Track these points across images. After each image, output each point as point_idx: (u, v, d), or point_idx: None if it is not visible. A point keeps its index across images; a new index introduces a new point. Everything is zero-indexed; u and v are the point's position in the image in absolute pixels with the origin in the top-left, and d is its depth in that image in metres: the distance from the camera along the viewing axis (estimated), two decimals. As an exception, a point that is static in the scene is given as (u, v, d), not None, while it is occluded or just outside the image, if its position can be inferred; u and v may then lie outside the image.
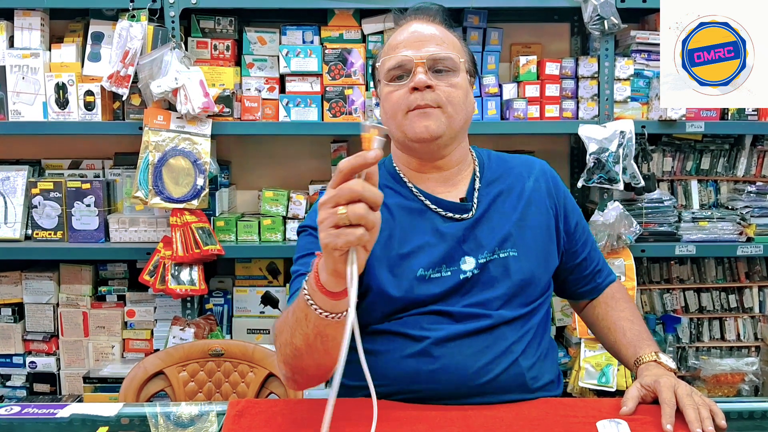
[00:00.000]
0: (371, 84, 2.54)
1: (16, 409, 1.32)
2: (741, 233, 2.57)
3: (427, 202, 1.41)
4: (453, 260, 1.36)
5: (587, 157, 2.43)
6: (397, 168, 1.47)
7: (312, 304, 1.10)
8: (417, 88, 1.33)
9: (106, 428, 1.24)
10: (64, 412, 1.30)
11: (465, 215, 1.40)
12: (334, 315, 1.10)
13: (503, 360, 1.33)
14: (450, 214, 1.40)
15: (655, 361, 1.36)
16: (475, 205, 1.42)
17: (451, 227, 1.39)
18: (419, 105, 1.34)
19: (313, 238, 1.37)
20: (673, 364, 1.35)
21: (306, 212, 2.58)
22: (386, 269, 1.34)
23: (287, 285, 2.68)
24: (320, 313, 1.10)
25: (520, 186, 1.46)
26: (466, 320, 1.34)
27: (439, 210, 1.40)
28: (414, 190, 1.43)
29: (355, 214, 0.97)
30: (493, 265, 1.38)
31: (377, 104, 2.50)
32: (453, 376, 1.31)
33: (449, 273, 1.36)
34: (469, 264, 1.37)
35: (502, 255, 1.38)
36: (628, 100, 2.52)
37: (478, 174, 1.46)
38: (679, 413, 1.20)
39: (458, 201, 1.42)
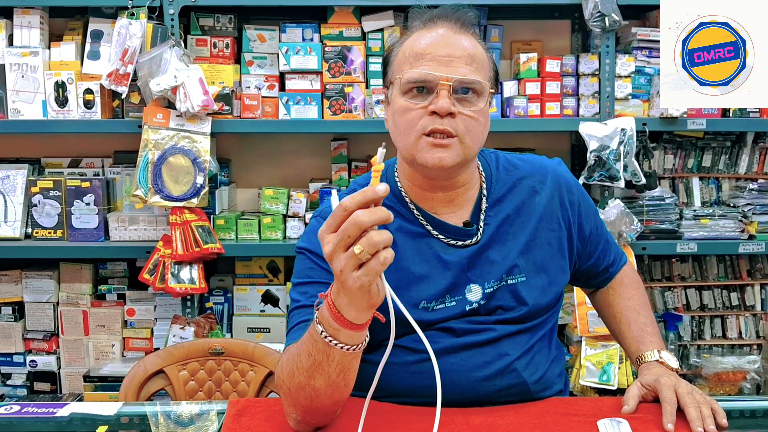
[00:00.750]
0: (371, 82, 2.54)
1: (16, 408, 1.32)
2: (743, 231, 2.57)
3: (429, 227, 1.33)
4: (458, 289, 1.31)
5: (588, 154, 2.43)
6: (399, 184, 1.37)
7: (336, 344, 1.05)
8: (437, 112, 1.23)
9: (106, 427, 1.24)
10: (64, 411, 1.30)
11: (469, 241, 1.33)
12: (357, 345, 1.07)
13: (506, 376, 1.30)
14: (453, 241, 1.32)
15: (657, 360, 1.34)
16: (481, 229, 1.34)
17: (454, 255, 1.31)
18: (436, 129, 1.23)
19: (310, 263, 1.31)
20: (675, 363, 1.34)
21: (306, 210, 2.58)
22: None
23: (287, 284, 2.67)
24: (348, 349, 1.06)
25: (531, 203, 1.37)
26: (467, 334, 1.30)
27: (440, 236, 1.33)
28: (416, 211, 1.34)
29: (371, 245, 0.92)
30: (501, 292, 1.32)
31: (377, 102, 2.51)
32: (451, 390, 1.27)
33: (454, 303, 1.30)
34: (475, 293, 1.31)
35: (510, 282, 1.32)
36: (629, 97, 2.52)
37: (485, 192, 1.37)
38: (680, 412, 1.19)
39: (461, 225, 1.34)
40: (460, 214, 1.35)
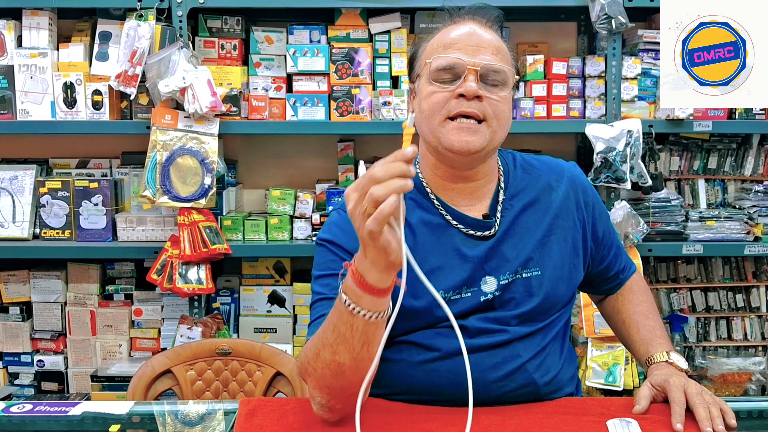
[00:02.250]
0: (378, 83, 2.55)
1: (29, 407, 1.33)
2: (748, 232, 2.57)
3: (449, 218, 1.35)
4: (474, 281, 1.32)
5: (594, 156, 2.43)
6: (421, 175, 1.40)
7: (360, 311, 1.08)
8: (464, 96, 1.26)
9: (118, 426, 1.25)
10: (76, 410, 1.31)
11: (487, 232, 1.35)
12: (380, 313, 1.09)
13: (517, 377, 1.31)
14: (472, 232, 1.34)
15: (667, 361, 1.35)
16: (498, 222, 1.36)
17: (473, 248, 1.33)
18: (463, 111, 1.26)
19: (332, 255, 1.33)
20: (684, 364, 1.34)
21: (313, 211, 2.59)
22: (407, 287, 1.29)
23: (293, 285, 2.68)
24: (370, 317, 1.08)
25: (547, 199, 1.40)
26: (480, 335, 1.31)
27: (460, 227, 1.35)
28: (436, 202, 1.37)
29: (372, 200, 0.99)
30: (515, 285, 1.34)
31: (384, 103, 2.51)
32: (462, 389, 1.25)
33: (469, 294, 1.32)
34: (490, 285, 1.33)
35: (525, 275, 1.34)
36: (636, 99, 2.52)
37: (502, 185, 1.40)
38: (689, 412, 1.20)
39: (481, 217, 1.36)
40: (479, 206, 1.38)
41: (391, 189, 0.98)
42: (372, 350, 1.12)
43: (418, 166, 1.42)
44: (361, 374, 1.14)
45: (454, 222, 1.35)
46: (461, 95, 1.26)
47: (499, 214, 1.37)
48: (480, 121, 1.28)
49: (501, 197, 1.38)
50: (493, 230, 1.35)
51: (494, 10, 1.38)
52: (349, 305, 1.08)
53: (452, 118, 1.28)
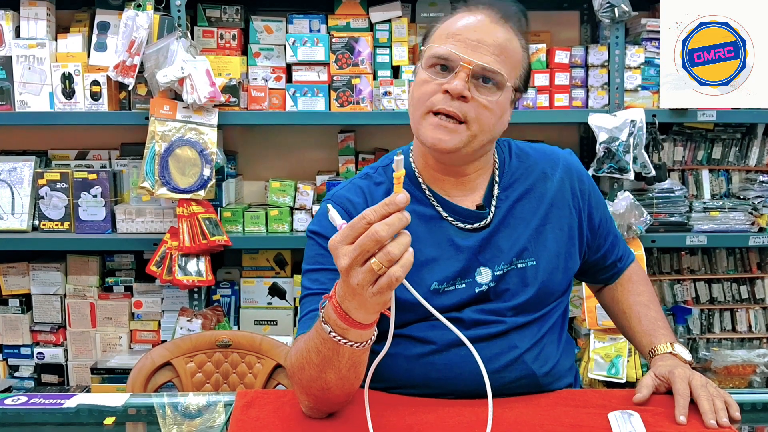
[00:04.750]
0: (379, 73, 2.53)
1: (23, 399, 1.32)
2: (753, 223, 2.55)
3: (440, 209, 1.33)
4: (468, 272, 1.30)
5: (597, 146, 2.42)
6: (414, 164, 1.37)
7: (346, 342, 1.04)
8: (450, 92, 1.23)
9: (113, 418, 1.24)
10: (71, 402, 1.30)
11: (481, 223, 1.33)
12: (366, 342, 1.06)
13: (515, 368, 1.29)
14: (464, 224, 1.33)
15: (671, 352, 1.33)
16: (492, 212, 1.34)
17: (466, 239, 1.31)
18: (443, 110, 1.23)
19: (320, 248, 1.30)
20: (688, 356, 1.33)
21: (313, 202, 2.57)
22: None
23: (294, 276, 2.67)
24: (357, 346, 1.05)
25: (542, 187, 1.37)
26: (476, 326, 1.30)
27: (452, 219, 1.33)
28: (428, 194, 1.34)
29: (389, 259, 0.92)
30: (510, 276, 1.32)
31: (384, 93, 2.49)
32: (460, 382, 1.27)
33: (464, 285, 1.30)
34: (485, 276, 1.31)
35: (520, 265, 1.32)
36: (639, 88, 2.50)
37: (497, 179, 1.37)
38: (692, 404, 1.19)
39: (474, 208, 1.34)
40: (472, 197, 1.36)
41: (405, 245, 0.94)
42: (359, 370, 1.11)
43: (411, 155, 1.39)
44: (348, 389, 1.14)
45: (446, 214, 1.33)
46: (447, 91, 1.23)
47: (493, 205, 1.35)
48: (461, 122, 1.24)
49: (496, 188, 1.36)
50: (486, 221, 1.33)
51: (512, 4, 1.32)
52: (334, 336, 1.04)
53: (435, 113, 1.25)
